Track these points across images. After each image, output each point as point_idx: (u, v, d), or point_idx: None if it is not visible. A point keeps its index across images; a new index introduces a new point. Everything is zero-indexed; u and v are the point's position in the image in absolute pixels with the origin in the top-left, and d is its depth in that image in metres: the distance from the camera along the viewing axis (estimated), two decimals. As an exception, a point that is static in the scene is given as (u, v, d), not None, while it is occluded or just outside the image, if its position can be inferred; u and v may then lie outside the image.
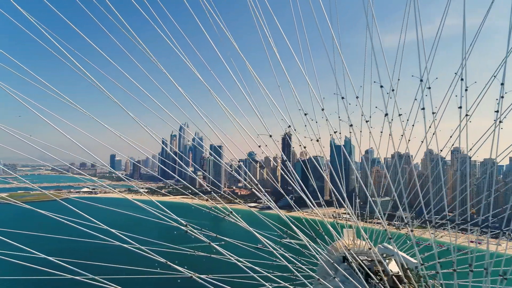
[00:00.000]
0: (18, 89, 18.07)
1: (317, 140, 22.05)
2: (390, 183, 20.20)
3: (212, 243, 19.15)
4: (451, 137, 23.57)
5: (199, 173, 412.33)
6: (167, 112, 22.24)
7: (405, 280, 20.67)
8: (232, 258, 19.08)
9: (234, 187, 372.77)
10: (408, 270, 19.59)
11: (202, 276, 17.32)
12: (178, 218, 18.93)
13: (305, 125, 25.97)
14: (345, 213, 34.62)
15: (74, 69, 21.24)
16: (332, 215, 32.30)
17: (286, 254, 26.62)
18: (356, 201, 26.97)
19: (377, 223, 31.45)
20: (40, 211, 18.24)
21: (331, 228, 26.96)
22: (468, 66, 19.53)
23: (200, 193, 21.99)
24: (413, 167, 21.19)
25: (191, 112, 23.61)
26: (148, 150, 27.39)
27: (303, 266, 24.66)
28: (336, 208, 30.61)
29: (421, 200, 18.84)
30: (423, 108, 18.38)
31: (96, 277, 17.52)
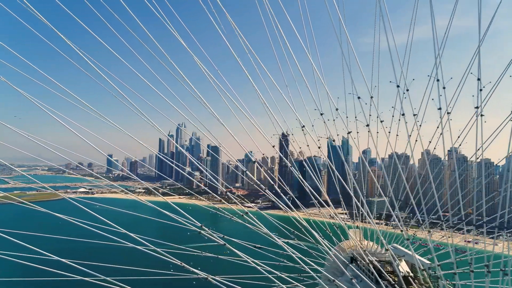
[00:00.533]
0: (10, 87, 17.92)
1: (333, 141, 21.93)
2: (406, 184, 20.08)
3: (227, 245, 18.95)
4: (459, 137, 23.50)
5: (196, 173, 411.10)
6: (175, 106, 22.10)
7: (416, 281, 20.59)
8: (249, 260, 18.85)
9: (231, 188, 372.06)
10: (419, 271, 19.48)
11: (216, 277, 17.11)
12: (194, 220, 18.73)
13: (312, 125, 25.89)
14: (343, 213, 34.40)
15: (79, 67, 21.07)
16: (344, 216, 32.14)
17: (294, 255, 26.53)
18: (364, 201, 26.79)
19: (385, 224, 31.33)
20: (58, 214, 17.97)
21: (348, 229, 26.80)
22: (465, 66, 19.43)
23: (215, 194, 21.74)
24: (428, 169, 21.03)
25: (188, 112, 23.53)
26: (150, 148, 27.24)
27: (314, 265, 24.47)
28: (344, 209, 30.53)
29: (436, 201, 18.74)
30: (440, 108, 18.29)
31: (107, 278, 17.27)
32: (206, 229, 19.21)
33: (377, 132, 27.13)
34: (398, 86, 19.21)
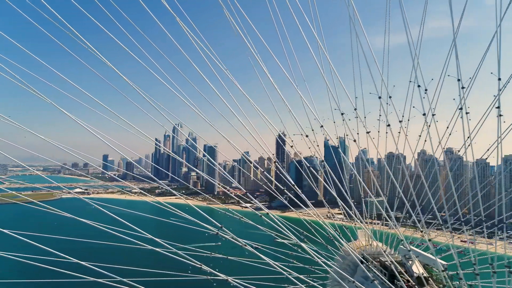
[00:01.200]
0: (11, 87, 17.63)
1: (354, 141, 21.82)
2: (426, 184, 20.00)
3: (247, 246, 18.75)
4: (468, 137, 23.39)
5: (193, 173, 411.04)
6: (172, 105, 21.83)
7: (430, 281, 20.50)
8: (270, 262, 18.67)
9: (228, 188, 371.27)
10: (439, 272, 19.38)
11: (237, 280, 16.92)
12: (214, 221, 18.53)
13: (321, 126, 25.68)
14: (339, 213, 34.14)
15: (85, 63, 20.81)
16: (368, 218, 31.97)
17: (304, 255, 26.42)
18: (385, 201, 26.60)
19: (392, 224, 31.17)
20: (82, 219, 17.67)
21: (367, 228, 26.69)
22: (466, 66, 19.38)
23: (235, 198, 21.47)
24: (448, 170, 21.02)
25: (185, 112, 23.25)
26: (157, 143, 27.08)
27: (324, 265, 24.34)
28: (353, 211, 30.33)
29: (456, 203, 18.69)
30: (461, 108, 18.24)
31: (124, 280, 17.00)
32: (226, 230, 19.07)
33: (389, 133, 27.13)
34: (419, 86, 19.16)
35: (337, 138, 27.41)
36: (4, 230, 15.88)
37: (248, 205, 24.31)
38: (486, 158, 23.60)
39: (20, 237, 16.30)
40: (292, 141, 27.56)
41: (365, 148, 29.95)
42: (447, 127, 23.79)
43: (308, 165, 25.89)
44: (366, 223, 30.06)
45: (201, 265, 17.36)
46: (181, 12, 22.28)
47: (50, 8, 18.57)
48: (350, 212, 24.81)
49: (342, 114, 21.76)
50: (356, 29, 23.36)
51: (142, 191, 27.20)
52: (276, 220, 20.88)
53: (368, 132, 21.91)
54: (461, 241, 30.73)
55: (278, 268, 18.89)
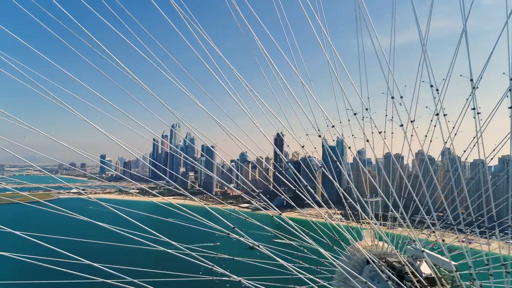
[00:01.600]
0: (11, 87, 17.34)
1: (367, 141, 21.70)
2: (438, 185, 19.94)
3: (260, 247, 18.63)
4: (478, 138, 23.31)
5: (190, 173, 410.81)
6: (170, 105, 21.66)
7: (441, 282, 20.40)
8: (284, 264, 18.55)
9: (226, 188, 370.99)
10: (454, 273, 19.29)
11: (250, 281, 16.79)
12: (227, 222, 18.42)
13: (331, 126, 25.54)
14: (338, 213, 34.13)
15: (87, 59, 20.58)
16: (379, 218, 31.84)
17: (307, 256, 26.39)
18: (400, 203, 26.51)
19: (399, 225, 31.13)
20: (98, 222, 17.46)
21: (378, 227, 26.67)
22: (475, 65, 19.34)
23: (249, 197, 21.32)
24: (461, 172, 21.00)
25: (183, 113, 23.05)
26: (158, 140, 26.88)
27: (330, 265, 24.26)
28: (358, 211, 30.27)
29: (468, 204, 18.66)
30: (474, 108, 18.19)
31: (135, 280, 16.80)
32: (238, 230, 18.95)
33: (398, 132, 27.07)
34: (431, 86, 19.10)
35: (344, 138, 27.28)
36: (17, 232, 15.65)
37: (247, 205, 24.14)
38: (492, 158, 23.67)
39: (30, 238, 16.05)
40: (298, 141, 27.38)
41: (363, 148, 29.89)
42: (453, 127, 23.75)
43: (319, 165, 25.72)
44: (372, 223, 30.02)
45: (213, 266, 17.24)
46: (181, 12, 22.06)
47: (57, 5, 18.28)
48: (360, 211, 24.70)
49: (355, 114, 21.70)
50: (361, 28, 23.29)
51: (148, 189, 27.03)
52: (290, 222, 20.75)
53: (380, 132, 21.87)
54: (458, 241, 30.63)
55: (292, 269, 18.76)
